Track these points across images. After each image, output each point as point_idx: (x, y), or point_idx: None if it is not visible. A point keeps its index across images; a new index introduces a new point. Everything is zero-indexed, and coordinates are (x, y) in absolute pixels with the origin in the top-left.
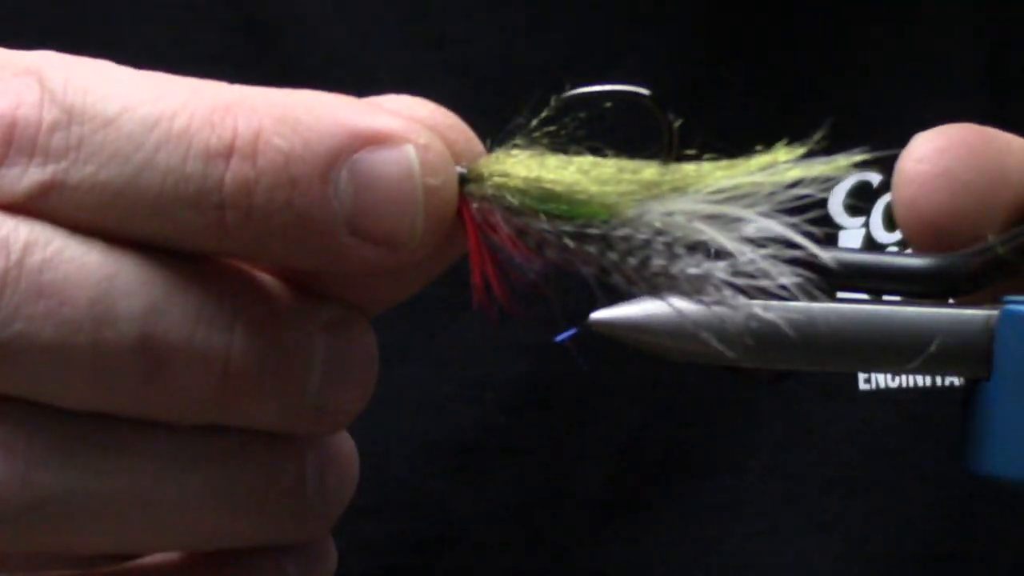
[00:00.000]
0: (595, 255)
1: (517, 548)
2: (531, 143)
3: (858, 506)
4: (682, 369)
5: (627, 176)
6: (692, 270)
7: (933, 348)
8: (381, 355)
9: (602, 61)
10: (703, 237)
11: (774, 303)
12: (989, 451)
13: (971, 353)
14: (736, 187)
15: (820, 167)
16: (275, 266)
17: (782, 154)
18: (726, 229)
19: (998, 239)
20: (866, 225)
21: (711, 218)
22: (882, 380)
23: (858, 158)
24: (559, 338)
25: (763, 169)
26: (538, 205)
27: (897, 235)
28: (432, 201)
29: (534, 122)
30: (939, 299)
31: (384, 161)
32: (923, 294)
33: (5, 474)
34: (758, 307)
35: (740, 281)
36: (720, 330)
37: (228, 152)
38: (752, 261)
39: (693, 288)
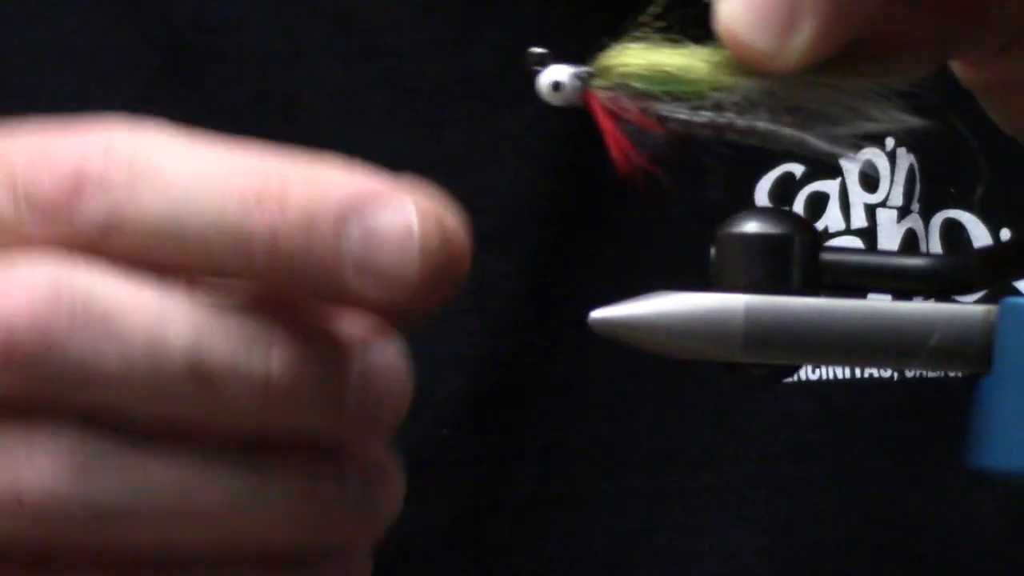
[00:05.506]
0: (711, 120)
1: (462, 558)
2: (642, 37)
3: (782, 499)
4: (608, 367)
5: (731, 57)
6: (794, 124)
7: (932, 343)
8: None
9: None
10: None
11: (771, 298)
12: (990, 444)
13: (971, 348)
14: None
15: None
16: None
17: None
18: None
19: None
20: None
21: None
22: (803, 373)
23: None
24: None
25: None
26: (658, 87)
27: (818, 226)
28: (427, 253)
29: (644, 18)
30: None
31: (387, 220)
32: (923, 294)
33: (60, 484)
34: (755, 302)
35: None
36: (719, 327)
37: (261, 203)
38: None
39: (795, 140)
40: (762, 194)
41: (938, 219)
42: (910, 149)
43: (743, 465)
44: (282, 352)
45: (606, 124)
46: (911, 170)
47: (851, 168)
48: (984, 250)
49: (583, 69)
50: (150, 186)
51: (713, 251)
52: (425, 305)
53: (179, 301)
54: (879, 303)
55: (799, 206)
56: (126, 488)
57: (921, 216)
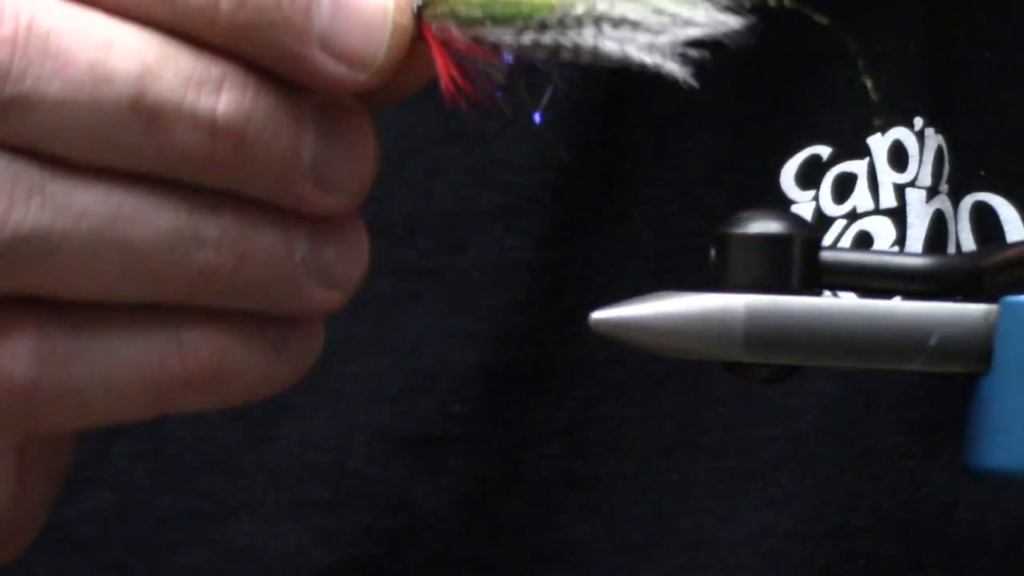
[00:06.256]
0: (540, 43)
1: (476, 536)
2: None
3: (809, 481)
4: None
5: None
6: (617, 39)
7: (932, 343)
8: (331, 349)
9: None
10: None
11: (771, 298)
12: (989, 444)
13: (970, 347)
14: None
15: None
16: (249, 60)
17: None
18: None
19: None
20: (816, 199)
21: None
22: None
23: None
24: (536, 117)
25: None
26: (486, 13)
27: (846, 207)
28: (396, 35)
29: None
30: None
31: None
32: (923, 294)
33: None
34: (755, 302)
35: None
36: (720, 327)
37: None
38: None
39: (619, 55)
40: (788, 178)
41: (968, 201)
42: (939, 129)
43: (769, 447)
44: (232, 96)
45: (439, 55)
46: (939, 150)
47: (879, 147)
48: (991, 250)
49: (415, 1)
50: None
51: (713, 251)
52: (384, 94)
53: (129, 32)
54: (879, 303)
55: (826, 188)
56: (51, 214)
57: (950, 197)
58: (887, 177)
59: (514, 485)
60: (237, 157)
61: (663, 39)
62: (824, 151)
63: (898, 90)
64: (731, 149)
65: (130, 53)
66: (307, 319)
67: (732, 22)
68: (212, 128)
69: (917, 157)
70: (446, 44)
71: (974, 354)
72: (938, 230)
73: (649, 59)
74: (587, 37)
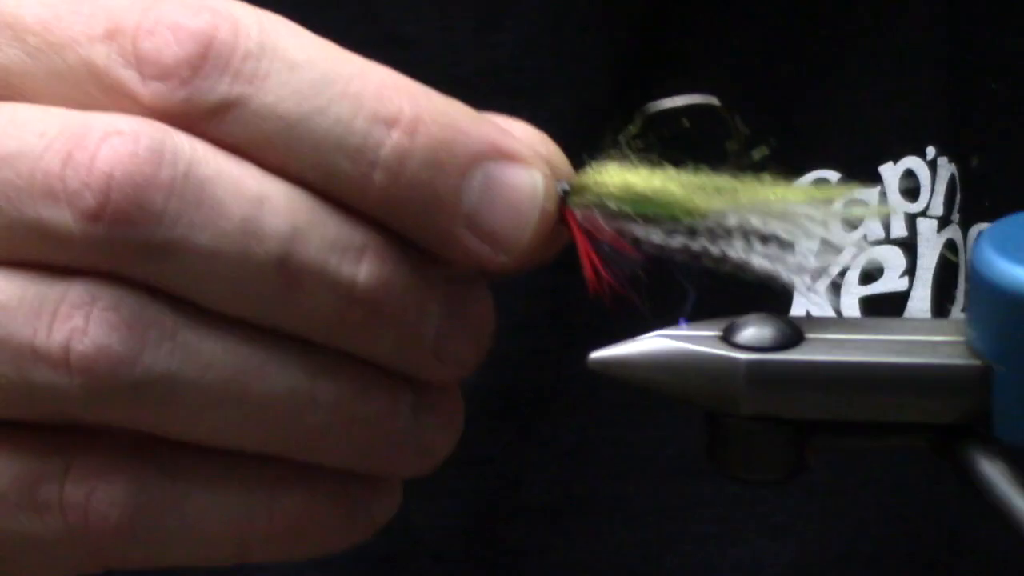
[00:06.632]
0: (687, 246)
1: (476, 559)
2: (620, 156)
3: (813, 509)
4: None
5: (706, 182)
6: (766, 256)
7: (927, 397)
8: None
9: (551, 63)
10: (775, 231)
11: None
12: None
13: (965, 402)
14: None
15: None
16: (394, 229)
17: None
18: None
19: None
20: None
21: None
22: None
23: None
24: (681, 321)
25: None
26: (633, 209)
27: (856, 234)
28: (543, 221)
29: (621, 138)
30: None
31: (516, 177)
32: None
33: (123, 350)
34: (751, 360)
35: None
36: (721, 373)
37: (392, 123)
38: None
39: (766, 271)
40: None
41: (978, 231)
42: (952, 159)
43: None
44: (372, 265)
45: (581, 242)
46: (952, 180)
47: (891, 176)
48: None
49: (562, 185)
50: (279, 71)
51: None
52: (518, 268)
53: (281, 189)
54: (876, 358)
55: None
56: (179, 361)
57: (960, 227)
58: (899, 207)
59: (514, 508)
60: (368, 323)
61: (812, 263)
62: (832, 176)
63: (911, 119)
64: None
65: (281, 212)
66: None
67: (884, 254)
68: (350, 294)
69: (929, 187)
70: (588, 231)
71: (969, 408)
72: (949, 260)
73: (796, 280)
74: (736, 249)
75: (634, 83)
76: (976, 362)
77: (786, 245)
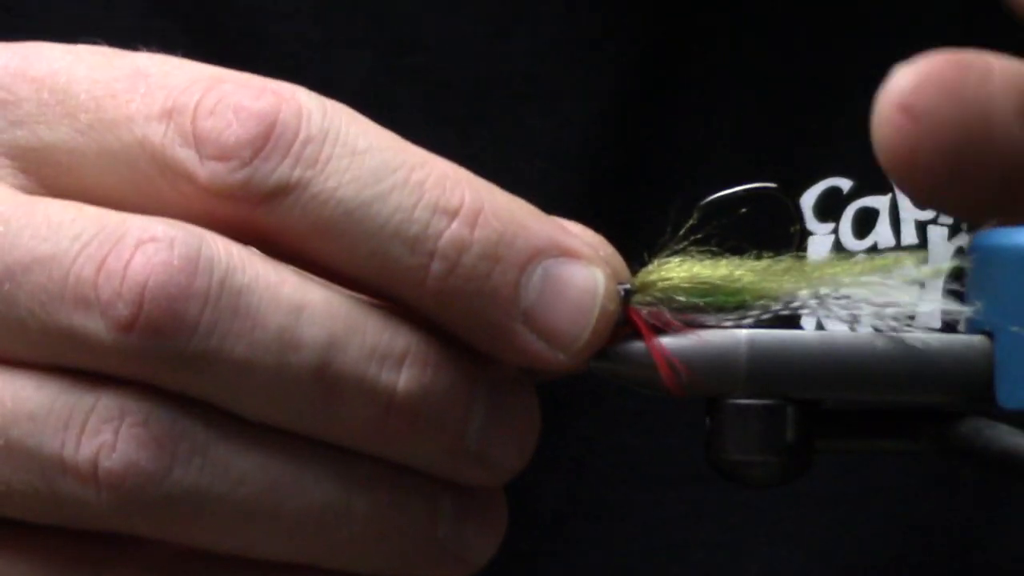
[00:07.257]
0: (761, 321)
1: (487, 568)
2: (679, 250)
3: (823, 517)
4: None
5: (771, 265)
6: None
7: (934, 374)
8: None
9: (565, 69)
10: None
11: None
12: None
13: (973, 377)
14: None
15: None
16: (446, 327)
17: (905, 260)
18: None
19: None
20: (835, 231)
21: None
22: None
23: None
24: None
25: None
26: (707, 303)
27: (867, 242)
28: (602, 321)
29: (680, 232)
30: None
31: (577, 274)
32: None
33: (152, 466)
34: (758, 335)
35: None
36: (717, 362)
37: (453, 213)
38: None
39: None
40: (807, 209)
41: None
42: None
43: None
44: (413, 372)
45: (650, 339)
46: None
47: None
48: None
49: (623, 286)
50: (340, 156)
51: (708, 420)
52: (574, 367)
53: (319, 295)
54: (880, 335)
55: (847, 221)
56: (209, 477)
57: (970, 234)
58: (909, 214)
59: (522, 515)
60: (408, 431)
61: (889, 311)
62: (844, 183)
63: None
64: (752, 177)
65: (319, 320)
66: None
67: (956, 308)
68: (389, 404)
69: None
70: (655, 327)
71: (977, 384)
72: (959, 267)
73: (874, 326)
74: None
75: (647, 91)
76: (977, 335)
77: (860, 321)
